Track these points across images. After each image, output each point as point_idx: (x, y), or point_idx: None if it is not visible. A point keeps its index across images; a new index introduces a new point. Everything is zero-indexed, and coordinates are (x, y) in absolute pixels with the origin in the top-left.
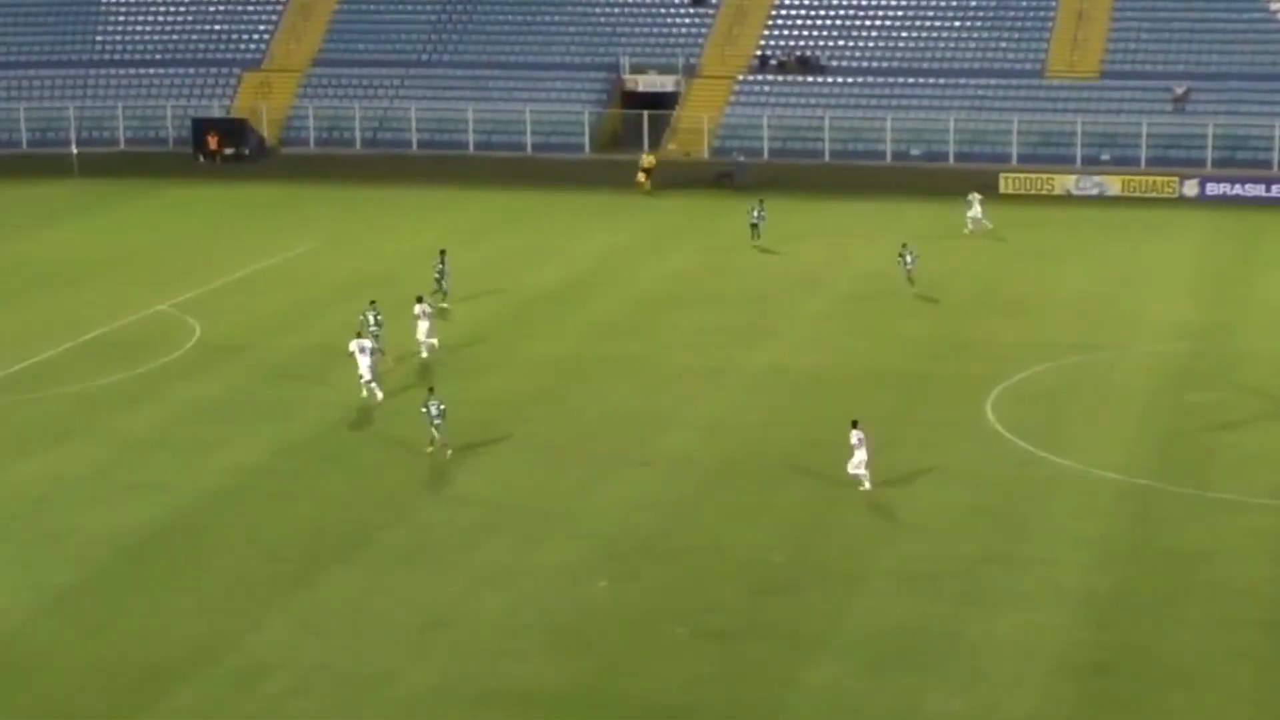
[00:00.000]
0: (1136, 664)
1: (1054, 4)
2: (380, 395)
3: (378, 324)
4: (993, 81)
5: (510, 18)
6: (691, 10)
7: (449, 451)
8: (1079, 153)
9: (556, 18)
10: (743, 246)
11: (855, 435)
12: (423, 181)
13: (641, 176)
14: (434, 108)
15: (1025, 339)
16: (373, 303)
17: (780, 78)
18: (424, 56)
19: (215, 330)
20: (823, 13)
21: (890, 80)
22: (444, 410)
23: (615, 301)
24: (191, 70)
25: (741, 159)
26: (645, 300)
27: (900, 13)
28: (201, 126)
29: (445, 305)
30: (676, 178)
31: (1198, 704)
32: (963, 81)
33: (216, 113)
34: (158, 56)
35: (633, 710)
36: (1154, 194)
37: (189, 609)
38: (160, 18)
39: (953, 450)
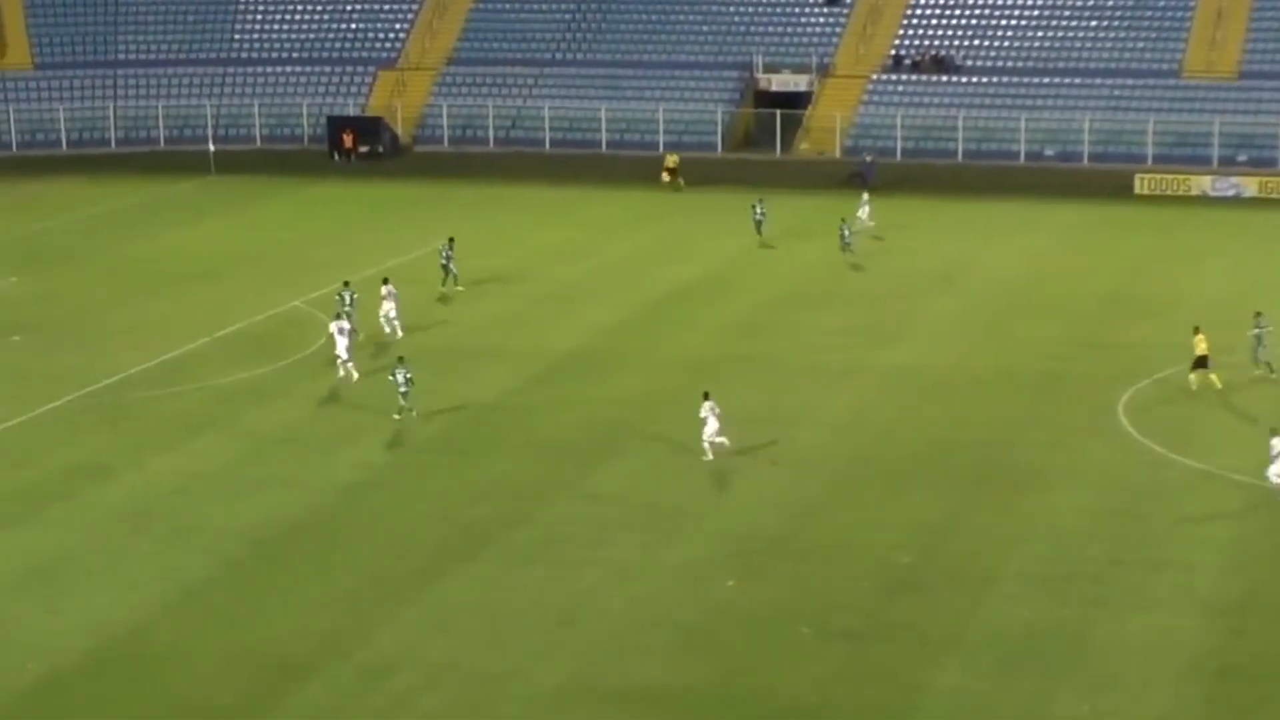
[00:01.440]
0: (1267, 669)
1: (1192, 3)
2: (356, 376)
3: (352, 304)
4: (1129, 81)
5: (644, 17)
6: (826, 9)
7: (414, 414)
8: (1215, 154)
9: (690, 17)
10: (874, 247)
11: (706, 406)
12: (555, 180)
13: (666, 176)
14: (567, 106)
15: (1158, 340)
16: (346, 283)
17: (914, 77)
18: (558, 55)
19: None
20: (958, 12)
21: (1025, 80)
22: (411, 379)
23: (746, 300)
24: (328, 69)
25: (869, 159)
26: (776, 299)
27: (1036, 12)
28: (337, 125)
29: (460, 288)
30: (808, 177)
31: None
32: (1098, 81)
33: (352, 111)
34: (294, 55)
35: (759, 710)
36: None
37: (319, 604)
38: (297, 16)
39: (1084, 452)
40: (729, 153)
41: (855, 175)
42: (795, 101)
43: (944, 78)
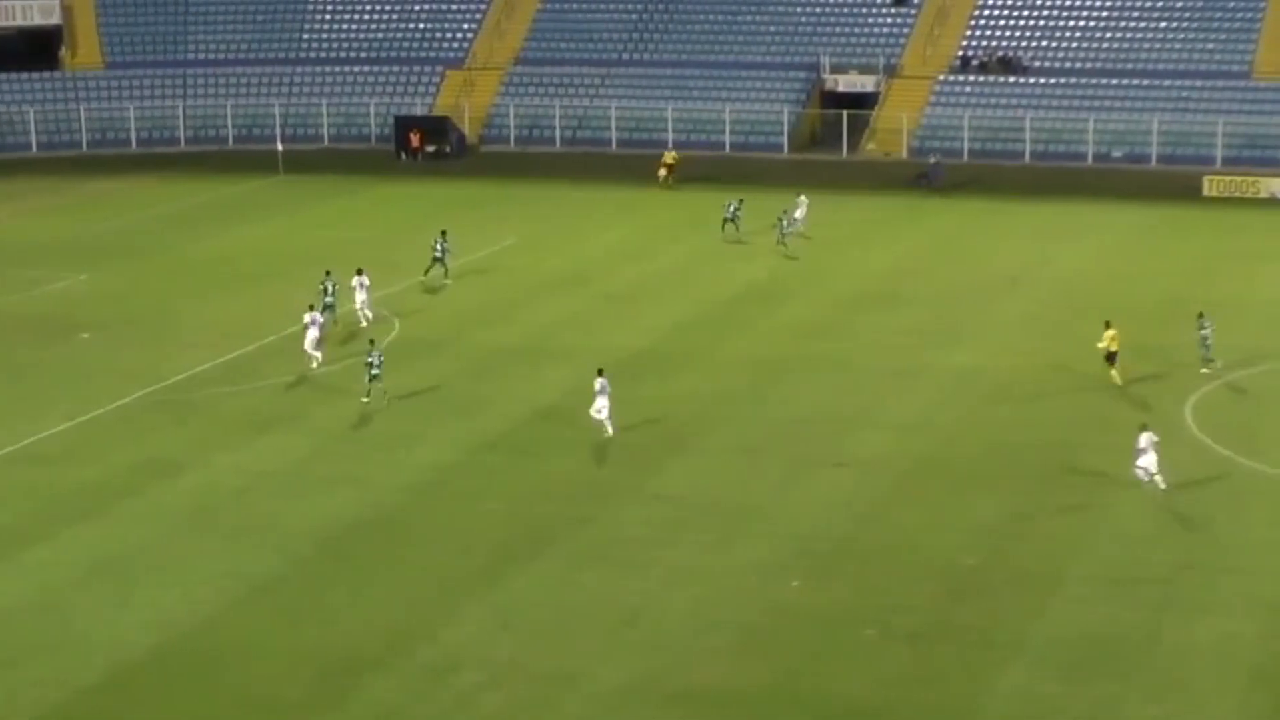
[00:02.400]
0: None
1: (1263, 4)
2: (319, 361)
3: (333, 294)
4: (1198, 83)
5: (711, 17)
6: (893, 10)
7: (386, 398)
8: None
9: (758, 17)
10: (940, 248)
11: (599, 382)
12: (621, 180)
13: (663, 172)
14: (634, 107)
15: (1225, 343)
16: (328, 273)
17: (981, 78)
18: (625, 56)
19: (414, 325)
20: (1025, 13)
21: (1093, 81)
22: (383, 362)
23: (813, 301)
24: (395, 68)
25: (933, 160)
26: (842, 301)
27: (1104, 13)
28: (404, 124)
29: (447, 281)
30: (875, 178)
31: None
32: (1167, 83)
33: (419, 111)
34: (362, 55)
35: (823, 711)
36: None
37: (385, 601)
38: (366, 16)
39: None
40: (795, 153)
41: (921, 176)
42: (862, 102)
43: (1011, 79)
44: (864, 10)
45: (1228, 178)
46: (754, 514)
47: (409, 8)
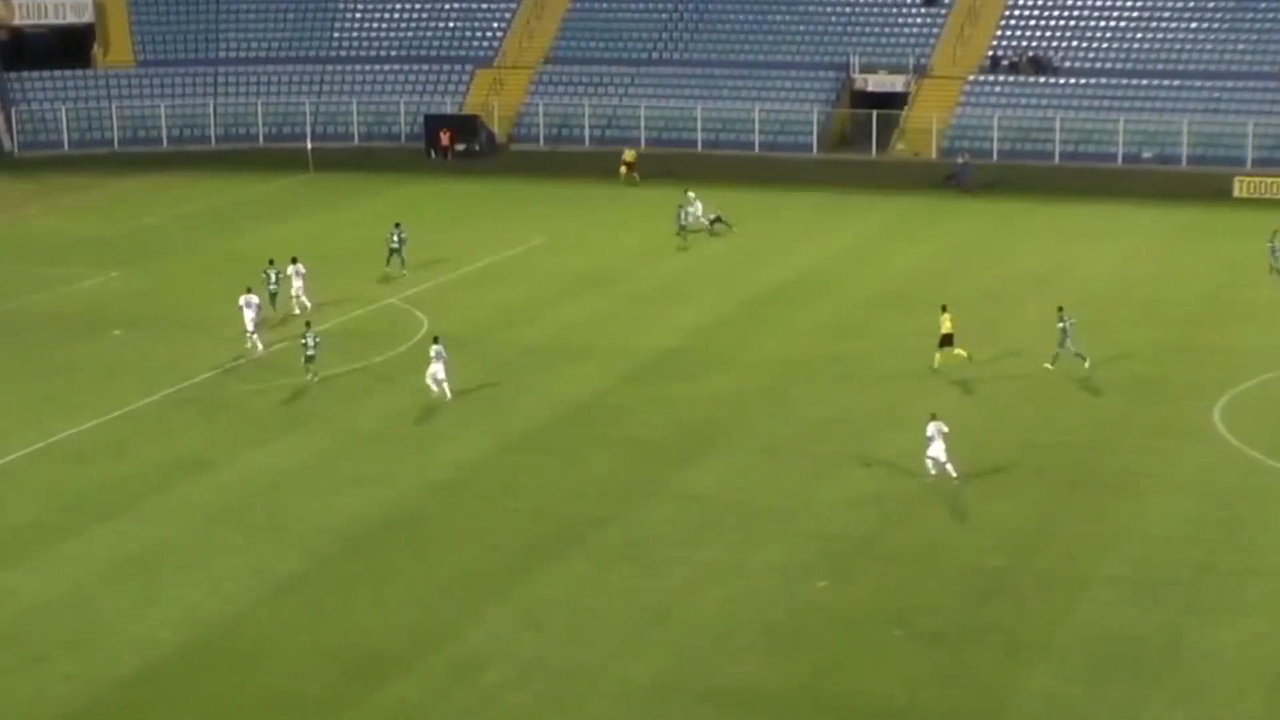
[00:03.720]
0: None
1: None
2: (261, 348)
3: (276, 283)
4: (1229, 83)
5: (741, 17)
6: (923, 10)
7: (316, 378)
8: None
9: (787, 17)
10: (969, 249)
11: (434, 349)
12: (649, 180)
13: (623, 170)
14: (663, 106)
15: (1256, 345)
16: (271, 262)
17: (1011, 78)
18: (654, 55)
19: (442, 324)
20: (1056, 13)
21: (1123, 82)
22: (320, 343)
23: (840, 301)
24: (425, 67)
25: (961, 159)
26: (869, 301)
27: (1135, 13)
28: (434, 123)
29: (404, 272)
30: (904, 178)
31: None
32: (1198, 83)
33: (449, 109)
34: (393, 53)
35: (849, 711)
36: None
37: (410, 599)
38: (396, 15)
39: (1179, 457)
40: (824, 153)
41: (950, 177)
42: (892, 102)
43: (1041, 79)
44: (894, 10)
45: (1259, 179)
46: (780, 514)
47: (439, 7)
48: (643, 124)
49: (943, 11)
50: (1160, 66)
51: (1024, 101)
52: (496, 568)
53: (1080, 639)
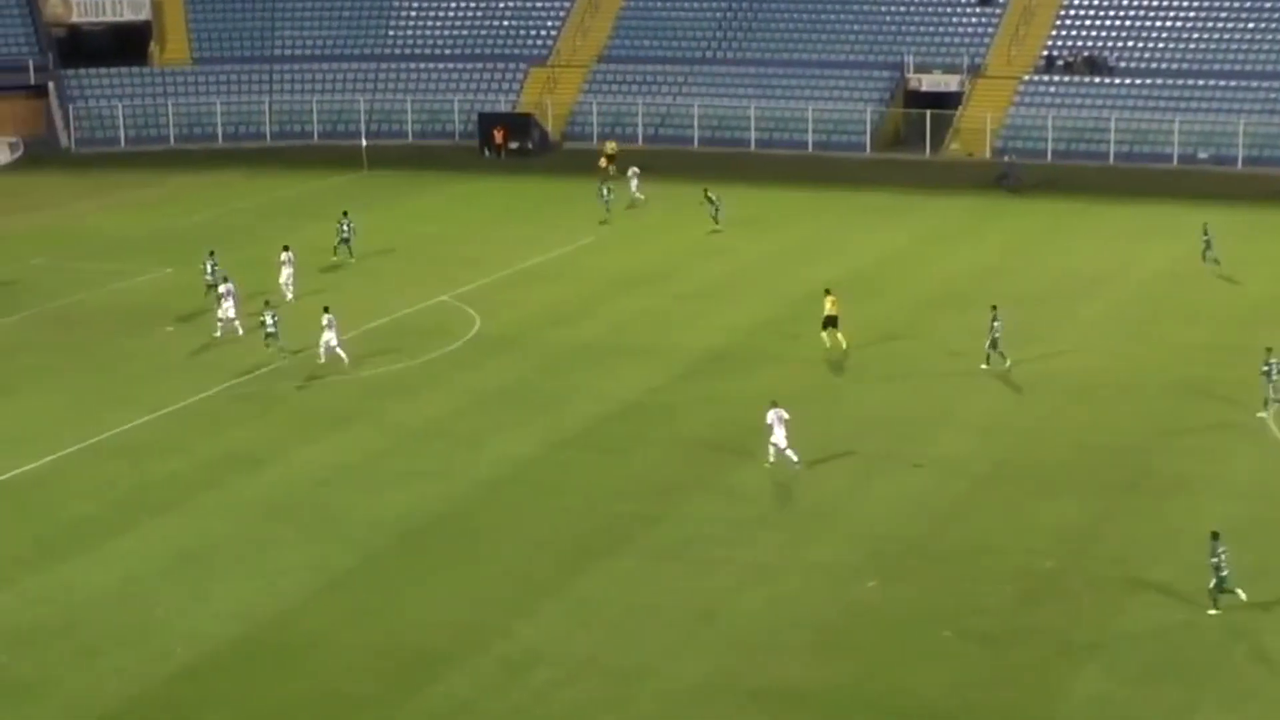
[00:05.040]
0: None
1: None
2: (223, 327)
3: (212, 274)
4: None
5: (795, 16)
6: (978, 10)
7: (285, 358)
8: None
9: (842, 16)
10: (1022, 249)
11: (326, 318)
12: (700, 178)
13: (603, 162)
14: (717, 104)
15: None
16: (211, 253)
17: (1066, 78)
18: (708, 54)
19: (494, 322)
20: (1111, 13)
21: (1179, 82)
22: (278, 322)
23: (892, 301)
24: (479, 65)
25: (1007, 158)
26: (922, 300)
27: (1191, 13)
28: (488, 121)
29: (351, 260)
30: (957, 178)
31: None
32: (1254, 84)
33: (503, 107)
34: (447, 51)
35: (898, 711)
36: None
37: (461, 596)
38: (450, 13)
39: (1232, 459)
40: (878, 152)
41: (1002, 177)
42: (946, 102)
43: (1096, 79)
44: (949, 9)
45: None
46: (830, 513)
47: (494, 5)
48: (696, 123)
49: (997, 11)
50: (1216, 67)
51: (1078, 102)
52: (547, 565)
53: (1132, 641)
